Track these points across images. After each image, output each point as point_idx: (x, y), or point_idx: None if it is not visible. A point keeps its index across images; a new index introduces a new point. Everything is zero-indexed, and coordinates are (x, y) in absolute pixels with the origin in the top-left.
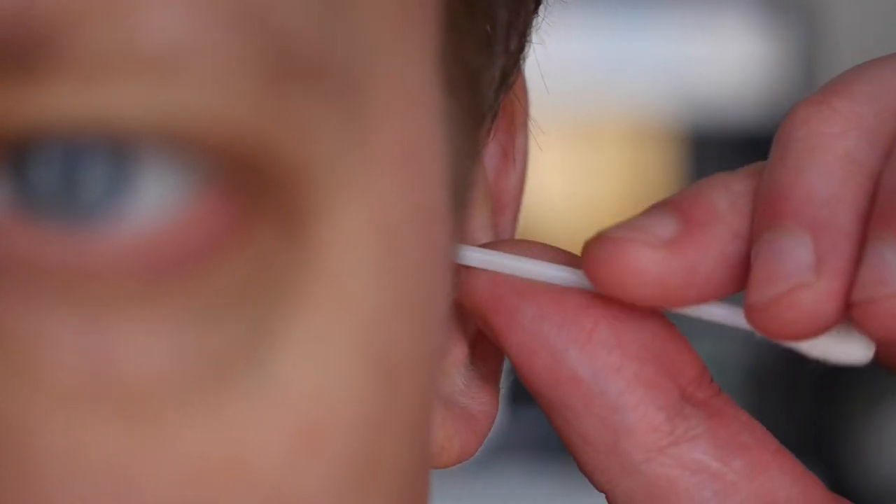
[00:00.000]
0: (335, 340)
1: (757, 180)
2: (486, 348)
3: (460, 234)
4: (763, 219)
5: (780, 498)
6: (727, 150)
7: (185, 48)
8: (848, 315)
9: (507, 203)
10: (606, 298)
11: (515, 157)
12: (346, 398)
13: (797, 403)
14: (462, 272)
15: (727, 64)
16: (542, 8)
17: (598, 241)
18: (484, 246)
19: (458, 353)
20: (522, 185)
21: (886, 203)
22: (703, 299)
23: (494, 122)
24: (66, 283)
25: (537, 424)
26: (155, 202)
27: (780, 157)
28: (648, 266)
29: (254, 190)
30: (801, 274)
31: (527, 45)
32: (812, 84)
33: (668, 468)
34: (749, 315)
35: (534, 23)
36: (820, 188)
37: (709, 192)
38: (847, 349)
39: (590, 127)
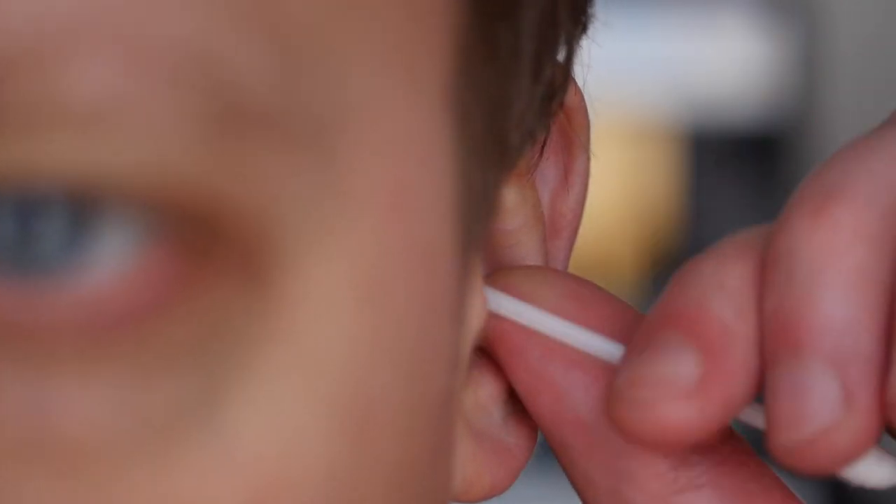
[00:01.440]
0: (297, 397)
1: (750, 266)
2: None
3: (473, 268)
4: (779, 348)
5: None
6: (727, 150)
7: (115, 103)
8: (887, 417)
9: (564, 226)
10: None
11: (574, 180)
12: (310, 456)
13: None
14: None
15: (727, 64)
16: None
17: (629, 407)
18: (513, 285)
19: (496, 386)
20: (581, 209)
21: None
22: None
23: (545, 146)
24: (14, 337)
25: None
26: (110, 258)
27: (787, 278)
28: (687, 419)
29: (206, 245)
30: (832, 413)
31: (568, 71)
32: (812, 84)
33: None
34: (777, 454)
35: (577, 49)
36: (837, 314)
37: (709, 301)
38: (880, 472)
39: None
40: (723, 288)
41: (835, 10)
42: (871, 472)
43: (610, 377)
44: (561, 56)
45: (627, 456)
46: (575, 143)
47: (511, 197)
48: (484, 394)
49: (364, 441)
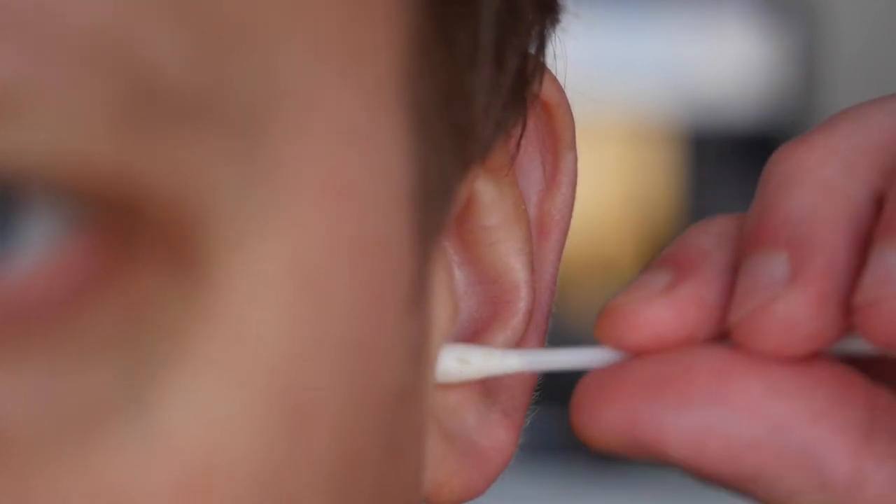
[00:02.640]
0: (229, 388)
1: (735, 221)
2: (512, 382)
3: (431, 263)
4: (745, 249)
5: None
6: (727, 150)
7: (28, 89)
8: (851, 322)
9: (552, 227)
10: (729, 356)
11: (561, 179)
12: (242, 447)
13: None
14: (580, 425)
15: (727, 64)
16: (556, 25)
17: (605, 317)
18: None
19: (466, 391)
20: (570, 209)
21: (891, 217)
22: (725, 332)
23: (521, 139)
24: None
25: (537, 424)
26: (33, 247)
27: (761, 192)
28: (658, 313)
29: (129, 232)
30: (774, 287)
31: (536, 62)
32: (812, 84)
33: (881, 490)
34: (735, 337)
35: (546, 39)
36: (797, 211)
37: (691, 238)
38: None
39: (589, 127)
40: (705, 231)
41: (835, 10)
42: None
43: (754, 388)
44: (531, 46)
45: (814, 447)
46: (561, 141)
47: (489, 192)
48: (454, 398)
49: (301, 433)
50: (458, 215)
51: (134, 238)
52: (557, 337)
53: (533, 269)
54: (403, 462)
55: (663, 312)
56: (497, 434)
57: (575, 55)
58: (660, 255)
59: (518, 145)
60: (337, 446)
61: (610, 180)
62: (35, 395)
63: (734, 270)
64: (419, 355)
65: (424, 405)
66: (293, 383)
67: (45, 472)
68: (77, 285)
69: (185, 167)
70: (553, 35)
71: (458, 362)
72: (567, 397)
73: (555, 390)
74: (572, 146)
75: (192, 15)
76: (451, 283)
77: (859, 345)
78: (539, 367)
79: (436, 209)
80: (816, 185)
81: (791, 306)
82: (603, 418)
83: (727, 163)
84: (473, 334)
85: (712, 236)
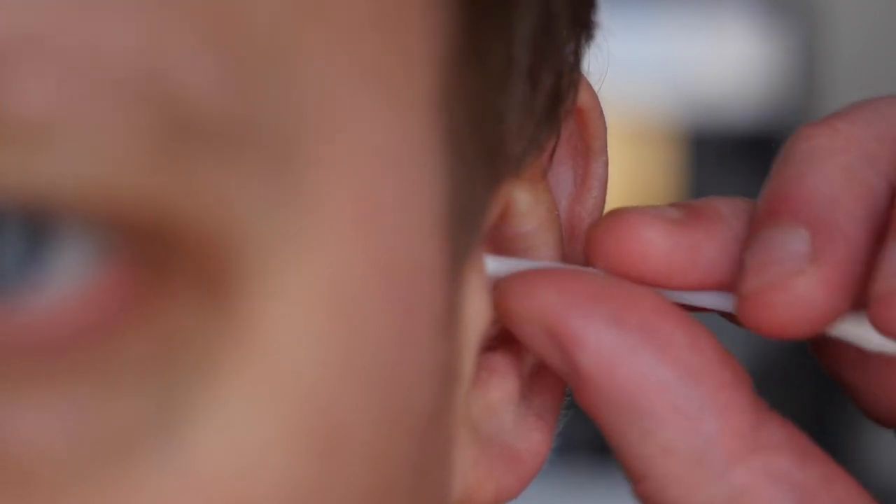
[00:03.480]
0: (262, 415)
1: (753, 205)
2: (544, 384)
3: (462, 283)
4: (760, 220)
5: None
6: (727, 150)
7: (61, 118)
8: (867, 315)
9: (582, 230)
10: (670, 302)
11: (592, 183)
12: (272, 473)
13: (797, 403)
14: (506, 300)
15: (727, 64)
16: (590, 41)
17: (607, 218)
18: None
19: (508, 389)
20: (599, 213)
21: None
22: (704, 286)
23: (555, 151)
24: None
25: None
26: (64, 276)
27: (782, 167)
28: (655, 239)
29: (161, 260)
30: (795, 261)
31: (571, 78)
32: (812, 84)
33: (753, 476)
34: (742, 307)
35: (581, 56)
36: (820, 191)
37: (714, 200)
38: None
39: None
40: (731, 200)
41: (835, 10)
42: (863, 331)
43: (683, 337)
44: (566, 64)
45: (710, 415)
46: (592, 147)
47: (524, 199)
48: (495, 396)
49: (333, 463)
50: (494, 223)
51: (166, 267)
52: None
53: None
54: (430, 479)
55: (659, 238)
56: (532, 436)
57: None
58: (679, 202)
59: (551, 157)
60: (368, 474)
61: (610, 180)
62: (63, 426)
63: (741, 241)
64: (450, 374)
65: (454, 420)
66: (325, 413)
67: (72, 501)
68: (108, 315)
69: (218, 195)
70: (587, 50)
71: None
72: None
73: None
74: (604, 150)
75: (223, 42)
76: (487, 292)
77: (856, 332)
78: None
79: (467, 229)
80: (840, 169)
81: (810, 286)
82: (534, 296)
83: (727, 163)
84: (505, 340)
85: (731, 206)
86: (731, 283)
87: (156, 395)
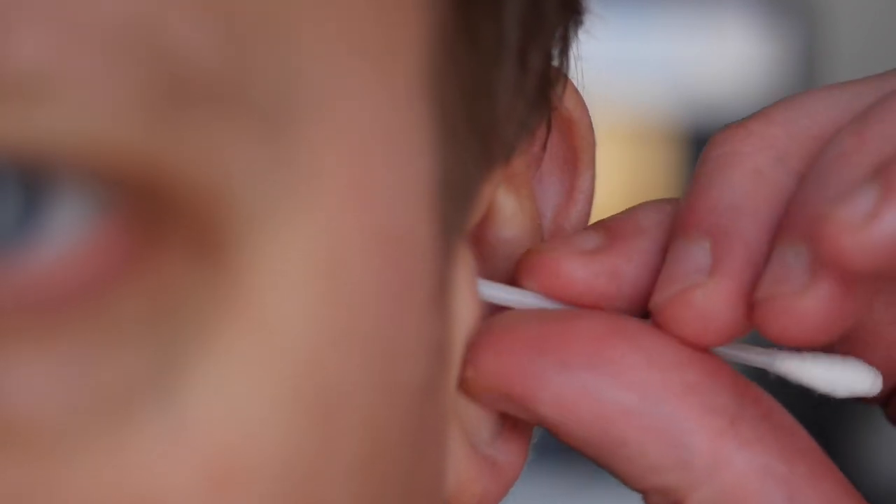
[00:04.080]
0: (257, 375)
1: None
2: None
3: (453, 262)
4: (674, 232)
5: None
6: None
7: (53, 72)
8: (752, 320)
9: None
10: (613, 322)
11: (578, 197)
12: (269, 435)
13: (796, 403)
14: (461, 375)
15: (727, 64)
16: (579, 27)
17: (528, 258)
18: None
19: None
20: (583, 225)
21: (793, 214)
22: (633, 307)
23: (545, 145)
24: None
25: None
26: (61, 233)
27: (694, 178)
28: (574, 273)
29: (156, 218)
30: (695, 275)
31: (561, 65)
32: (812, 84)
33: (739, 474)
34: (653, 318)
35: (570, 42)
36: (723, 199)
37: (637, 212)
38: (849, 377)
39: None
40: (656, 208)
41: (835, 10)
42: (831, 374)
43: (633, 356)
44: (555, 49)
45: (683, 422)
46: (580, 160)
47: (508, 205)
48: (470, 415)
49: (329, 430)
50: (478, 225)
51: (161, 224)
52: None
53: None
54: (427, 461)
55: (578, 271)
56: (510, 447)
57: (574, 55)
58: (600, 221)
59: (544, 148)
60: (364, 439)
61: (610, 180)
62: (59, 383)
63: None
64: (442, 354)
65: (446, 405)
66: (320, 374)
67: (69, 461)
68: (104, 271)
69: (212, 153)
70: (576, 38)
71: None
72: None
73: None
74: (591, 164)
75: (220, 2)
76: (475, 286)
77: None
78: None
79: (459, 207)
80: (747, 173)
81: (708, 297)
82: (484, 367)
83: None
84: None
85: (655, 215)
86: None
87: (151, 353)
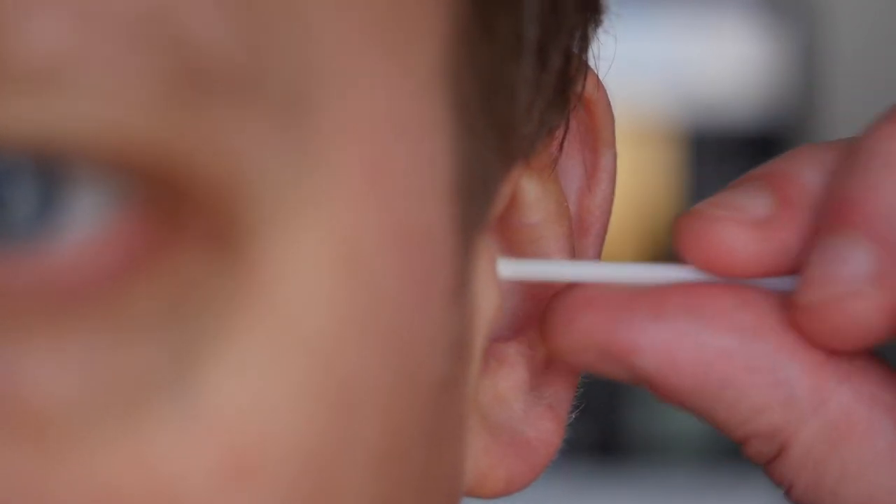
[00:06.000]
0: (275, 366)
1: (840, 153)
2: (556, 375)
3: (473, 256)
4: (829, 223)
5: None
6: (727, 150)
7: (72, 61)
8: None
9: (591, 223)
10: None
11: (601, 176)
12: (287, 426)
13: None
14: (553, 342)
15: (727, 64)
16: (598, 26)
17: (692, 218)
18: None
19: (517, 379)
20: (609, 206)
21: None
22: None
23: (564, 140)
24: None
25: None
26: (79, 223)
27: (858, 167)
28: (742, 245)
29: (173, 209)
30: (858, 281)
31: (581, 64)
32: (812, 84)
33: (845, 405)
34: (798, 315)
35: (590, 40)
36: (893, 202)
37: (801, 168)
38: None
39: None
40: (820, 163)
41: (835, 10)
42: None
43: (726, 300)
44: (574, 47)
45: (785, 358)
46: (600, 139)
47: (532, 190)
48: (505, 385)
49: (347, 422)
50: (502, 213)
51: (178, 216)
52: None
53: None
54: (446, 454)
55: (749, 246)
56: (543, 425)
57: (594, 55)
58: (765, 170)
59: (561, 146)
60: (383, 432)
61: None
62: (77, 374)
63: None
64: (462, 348)
65: (466, 399)
66: (338, 365)
67: (86, 451)
68: (121, 262)
69: (229, 144)
70: (596, 37)
71: (520, 267)
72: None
73: None
74: (612, 144)
75: None
76: (496, 279)
77: None
78: (616, 278)
79: (478, 203)
80: None
81: (867, 310)
82: (577, 327)
83: (727, 163)
84: (519, 330)
85: (819, 174)
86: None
87: (168, 344)
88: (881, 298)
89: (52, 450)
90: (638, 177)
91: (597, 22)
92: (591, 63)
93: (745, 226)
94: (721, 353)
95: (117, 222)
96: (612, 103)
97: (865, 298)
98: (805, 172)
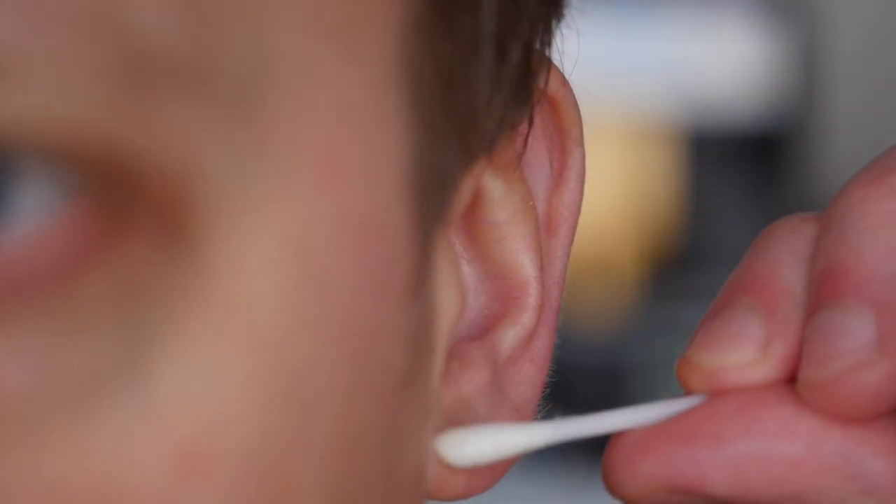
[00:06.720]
0: (226, 360)
1: (808, 230)
2: (521, 376)
3: (433, 253)
4: (821, 297)
5: None
6: (727, 150)
7: (14, 50)
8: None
9: (560, 223)
10: (738, 394)
11: (569, 175)
12: (238, 420)
13: None
14: (622, 492)
15: (727, 64)
16: (561, 23)
17: (689, 369)
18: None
19: (480, 381)
20: (578, 205)
21: None
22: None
23: (529, 135)
24: None
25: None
26: (27, 216)
27: (839, 235)
28: (757, 379)
29: (123, 202)
30: (862, 352)
31: (541, 58)
32: (812, 84)
33: None
34: (806, 394)
35: (551, 35)
36: (884, 267)
37: (777, 267)
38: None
39: (589, 127)
40: (793, 253)
41: (835, 10)
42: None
43: (783, 409)
44: (536, 41)
45: (853, 453)
46: (568, 137)
47: (497, 188)
48: (468, 388)
49: (298, 411)
50: (466, 211)
51: (127, 208)
52: (558, 336)
53: (542, 265)
54: (407, 452)
55: (760, 375)
56: None
57: (574, 55)
58: (743, 280)
59: (525, 142)
60: (337, 427)
61: (610, 180)
62: (26, 367)
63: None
64: (422, 344)
65: (428, 397)
66: (291, 359)
67: (35, 444)
68: (70, 255)
69: (178, 136)
70: (558, 31)
71: (493, 446)
72: (567, 397)
73: (554, 389)
74: (580, 142)
75: None
76: (460, 278)
77: None
78: (582, 433)
79: (437, 198)
80: None
81: (879, 379)
82: (640, 471)
83: (727, 163)
84: (484, 330)
85: (799, 273)
86: None
87: (119, 337)
88: (890, 364)
89: (1, 444)
90: (638, 177)
91: (558, 16)
92: (557, 60)
93: (752, 365)
94: (791, 464)
95: (66, 215)
96: (577, 101)
97: (873, 367)
98: (784, 273)
